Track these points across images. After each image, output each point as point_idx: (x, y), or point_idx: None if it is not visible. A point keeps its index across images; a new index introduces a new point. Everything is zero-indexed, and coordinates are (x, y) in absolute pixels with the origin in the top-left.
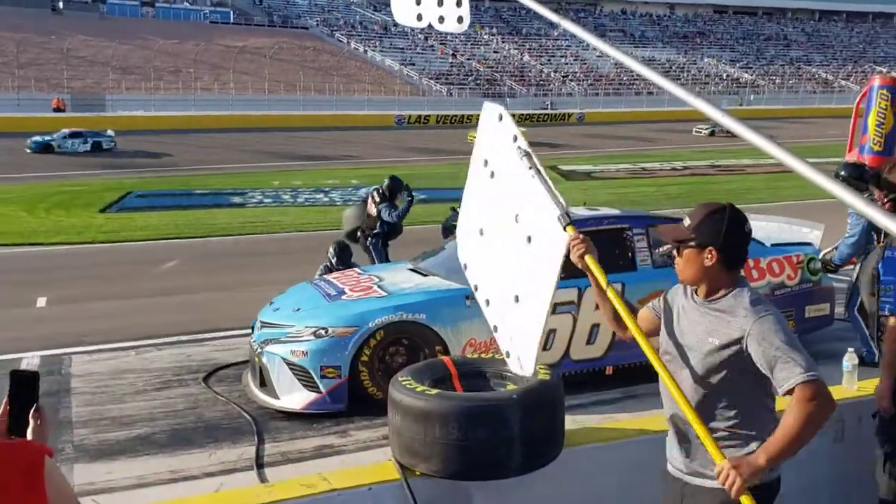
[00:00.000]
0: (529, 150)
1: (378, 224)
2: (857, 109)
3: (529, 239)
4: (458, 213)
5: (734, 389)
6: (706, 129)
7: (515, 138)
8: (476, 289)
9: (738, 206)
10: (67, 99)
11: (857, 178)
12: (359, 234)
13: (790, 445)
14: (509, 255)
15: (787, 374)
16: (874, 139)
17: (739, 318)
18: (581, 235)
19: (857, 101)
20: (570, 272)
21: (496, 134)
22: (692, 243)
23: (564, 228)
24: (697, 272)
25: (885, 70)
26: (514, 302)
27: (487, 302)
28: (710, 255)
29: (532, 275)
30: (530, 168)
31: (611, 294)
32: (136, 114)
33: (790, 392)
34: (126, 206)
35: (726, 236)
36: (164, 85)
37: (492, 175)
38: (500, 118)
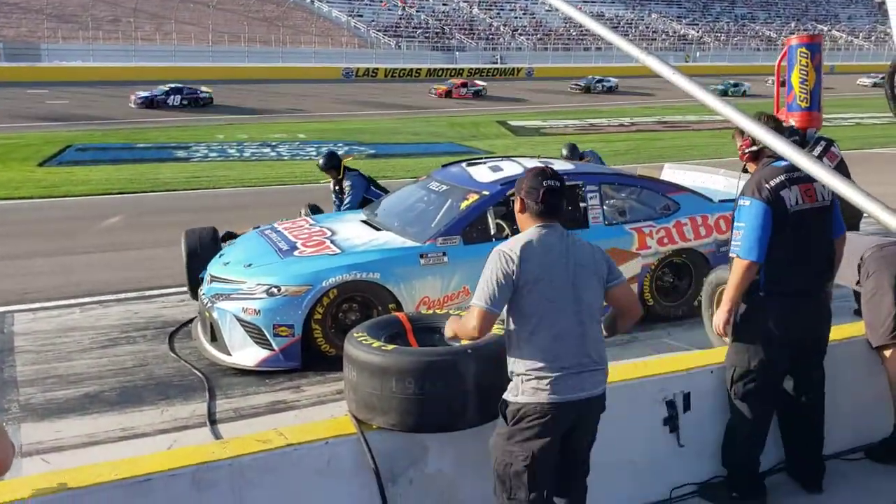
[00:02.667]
0: None
1: None
2: (778, 69)
3: None
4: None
5: None
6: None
7: None
8: None
9: (681, 161)
10: None
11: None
12: None
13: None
14: None
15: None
16: (800, 96)
17: None
18: None
19: (777, 61)
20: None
21: None
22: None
23: None
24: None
25: (825, 28)
26: None
27: None
28: (517, 203)
29: None
30: None
31: None
32: (73, 64)
33: None
34: (66, 160)
35: (526, 187)
36: (103, 35)
37: None
38: None
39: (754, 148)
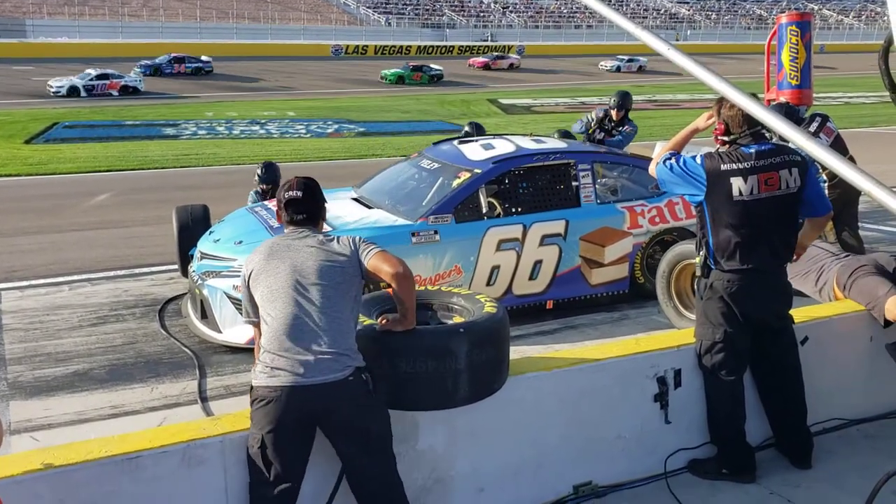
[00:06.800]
0: None
1: None
2: (768, 48)
3: None
4: None
5: None
6: None
7: None
8: None
9: None
10: None
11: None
12: None
13: None
14: None
15: None
16: (791, 74)
17: None
18: None
19: (767, 39)
20: (516, 210)
21: None
22: None
23: None
24: None
25: (816, 7)
26: None
27: None
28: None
29: None
30: None
31: None
32: (59, 41)
33: None
34: (53, 138)
35: (277, 198)
36: (89, 11)
37: None
38: None
39: (727, 138)
